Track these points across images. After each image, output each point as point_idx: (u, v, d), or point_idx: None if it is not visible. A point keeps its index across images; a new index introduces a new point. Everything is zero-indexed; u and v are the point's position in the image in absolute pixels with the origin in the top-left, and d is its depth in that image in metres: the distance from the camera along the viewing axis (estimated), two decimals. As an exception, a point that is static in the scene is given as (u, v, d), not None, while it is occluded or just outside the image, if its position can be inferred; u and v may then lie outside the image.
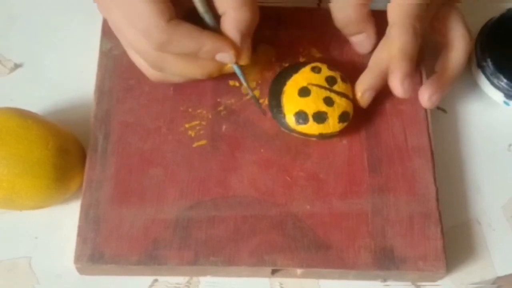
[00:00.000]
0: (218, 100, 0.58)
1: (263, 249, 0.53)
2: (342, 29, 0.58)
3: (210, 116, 0.58)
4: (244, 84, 0.56)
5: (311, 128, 0.55)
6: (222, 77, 0.58)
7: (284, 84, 0.56)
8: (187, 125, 0.57)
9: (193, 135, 0.57)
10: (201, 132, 0.57)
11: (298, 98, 0.55)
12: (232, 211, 0.54)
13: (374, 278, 0.55)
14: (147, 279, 0.55)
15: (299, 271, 0.54)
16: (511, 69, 0.59)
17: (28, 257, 0.55)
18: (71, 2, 0.64)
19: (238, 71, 0.55)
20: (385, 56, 0.55)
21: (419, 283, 0.55)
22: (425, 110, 0.58)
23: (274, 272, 0.54)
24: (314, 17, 0.62)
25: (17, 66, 0.62)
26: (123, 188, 0.55)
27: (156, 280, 0.55)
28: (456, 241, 0.57)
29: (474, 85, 0.62)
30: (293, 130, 0.56)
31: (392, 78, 0.54)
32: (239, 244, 0.53)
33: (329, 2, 0.57)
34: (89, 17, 0.62)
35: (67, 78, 0.61)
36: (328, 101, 0.55)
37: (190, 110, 0.58)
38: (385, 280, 0.55)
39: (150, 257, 0.53)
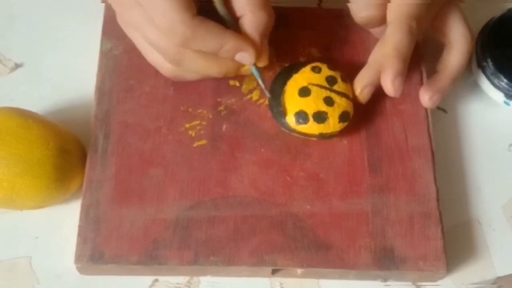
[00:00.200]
0: (219, 100, 0.58)
1: (263, 249, 0.53)
2: (363, 26, 0.58)
3: (210, 116, 0.58)
4: (262, 86, 0.56)
5: (311, 128, 0.55)
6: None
7: (284, 84, 0.56)
8: (187, 125, 0.57)
9: (193, 135, 0.57)
10: (202, 132, 0.57)
11: (298, 98, 0.55)
12: (232, 211, 0.54)
13: (374, 278, 0.55)
14: (148, 279, 0.55)
15: (299, 271, 0.54)
16: (511, 69, 0.59)
17: (28, 257, 0.55)
18: (71, 2, 0.64)
19: (256, 73, 0.55)
20: (383, 53, 0.55)
21: (419, 283, 0.55)
22: (426, 110, 0.58)
23: (274, 272, 0.54)
24: (315, 17, 0.62)
25: (17, 66, 0.62)
26: (123, 188, 0.55)
27: (156, 280, 0.55)
28: (456, 241, 0.57)
29: (474, 85, 0.62)
30: (293, 130, 0.56)
31: (384, 76, 0.54)
32: (239, 244, 0.53)
33: (348, 2, 0.57)
34: (90, 17, 0.62)
35: (67, 78, 0.61)
36: (328, 101, 0.55)
37: (190, 110, 0.58)
38: (385, 280, 0.55)
39: (150, 257, 0.53)
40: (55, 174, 0.53)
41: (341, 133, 0.56)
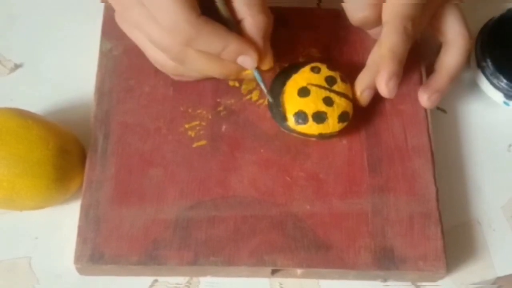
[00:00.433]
0: (218, 100, 0.58)
1: (263, 249, 0.53)
2: (359, 27, 0.58)
3: (210, 117, 0.58)
4: (265, 90, 0.56)
5: (311, 128, 0.55)
6: (222, 77, 0.58)
7: (283, 84, 0.56)
8: (187, 126, 0.57)
9: (193, 135, 0.57)
10: (201, 132, 0.57)
11: (298, 98, 0.55)
12: (232, 211, 0.54)
13: (374, 278, 0.55)
14: (147, 279, 0.55)
15: (299, 271, 0.54)
16: (511, 70, 0.59)
17: (28, 257, 0.55)
18: (71, 2, 0.64)
19: (258, 77, 0.55)
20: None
21: (419, 283, 0.55)
22: (425, 110, 0.58)
23: (274, 272, 0.54)
24: (314, 17, 0.62)
25: (17, 66, 0.62)
26: (123, 189, 0.55)
27: (156, 280, 0.55)
28: (456, 241, 0.57)
29: (474, 85, 0.62)
30: (292, 130, 0.56)
31: (378, 77, 0.54)
32: (239, 244, 0.53)
33: (343, 3, 0.57)
34: (89, 17, 0.62)
35: (67, 78, 0.61)
36: (328, 101, 0.55)
37: (190, 110, 0.58)
38: (385, 280, 0.55)
39: (150, 257, 0.53)
40: (55, 174, 0.53)
41: (341, 133, 0.56)
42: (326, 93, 0.56)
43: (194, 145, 0.57)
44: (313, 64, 0.57)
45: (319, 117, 0.55)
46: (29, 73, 0.62)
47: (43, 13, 0.64)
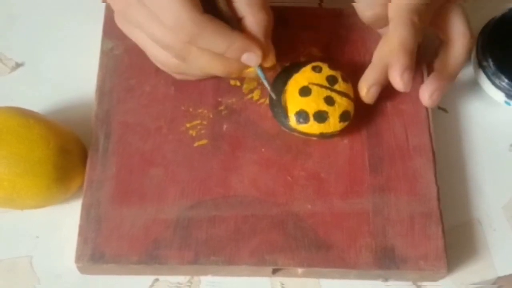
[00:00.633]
0: (219, 99, 0.58)
1: (264, 248, 0.53)
2: (370, 25, 0.58)
3: (211, 116, 0.58)
4: (268, 88, 0.56)
5: (312, 127, 0.55)
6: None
7: (285, 83, 0.56)
8: (188, 125, 0.57)
9: (194, 134, 0.57)
10: (202, 131, 0.57)
11: (299, 97, 0.55)
12: (233, 210, 0.54)
13: (375, 277, 0.55)
14: (148, 279, 0.55)
15: (300, 270, 0.54)
16: (512, 69, 0.59)
17: (29, 256, 0.55)
18: (71, 2, 0.64)
19: (261, 74, 0.55)
20: (388, 51, 0.55)
21: (420, 283, 0.55)
22: (426, 109, 0.58)
23: (275, 271, 0.54)
24: (316, 16, 0.62)
25: (18, 65, 0.62)
26: (124, 188, 0.55)
27: (157, 280, 0.55)
28: (457, 241, 0.57)
29: (475, 85, 0.62)
30: (294, 130, 0.56)
31: (392, 71, 0.54)
32: (240, 243, 0.53)
33: (354, 2, 0.57)
34: (90, 16, 0.62)
35: (68, 77, 0.61)
36: (329, 101, 0.55)
37: (191, 109, 0.58)
38: (386, 279, 0.55)
39: (151, 257, 0.53)
40: (56, 173, 0.53)
41: (342, 133, 0.56)
42: (327, 93, 0.56)
43: (195, 144, 0.57)
44: (314, 64, 0.57)
45: (320, 117, 0.55)
46: (30, 73, 0.62)
47: (44, 13, 0.64)
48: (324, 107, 0.55)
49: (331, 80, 0.56)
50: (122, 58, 0.59)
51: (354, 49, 0.61)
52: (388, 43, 0.55)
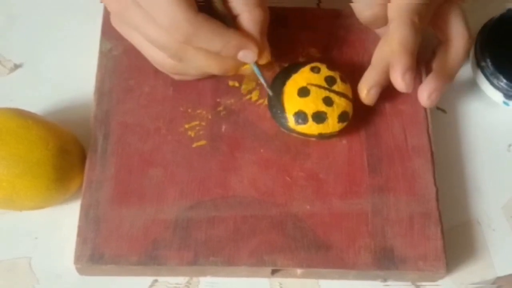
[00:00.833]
0: (218, 100, 0.58)
1: (263, 249, 0.53)
2: (368, 25, 0.58)
3: (209, 117, 0.58)
4: (264, 84, 0.56)
5: (311, 128, 0.55)
6: (221, 77, 0.58)
7: (283, 84, 0.56)
8: (186, 126, 0.57)
9: (192, 135, 0.57)
10: (201, 132, 0.57)
11: (298, 98, 0.55)
12: (232, 211, 0.54)
13: (374, 278, 0.55)
14: (147, 280, 0.55)
15: (299, 271, 0.54)
16: (510, 70, 0.59)
17: (28, 257, 0.55)
18: (71, 2, 0.64)
19: (257, 71, 0.55)
20: (387, 51, 0.55)
21: (419, 283, 0.55)
22: (425, 110, 0.58)
23: (274, 272, 0.54)
24: (314, 17, 0.62)
25: (17, 66, 0.62)
26: (123, 189, 0.55)
27: (156, 281, 0.55)
28: (456, 241, 0.57)
29: (473, 85, 0.62)
30: (292, 130, 0.56)
31: (393, 72, 0.53)
32: (239, 244, 0.53)
33: (350, 3, 0.57)
34: (89, 17, 0.62)
35: (67, 78, 0.61)
36: (328, 101, 0.55)
37: (189, 110, 0.58)
38: (385, 280, 0.55)
39: (150, 258, 0.53)
40: (55, 174, 0.53)
41: (341, 133, 0.56)
42: (326, 93, 0.56)
43: (194, 145, 0.57)
44: (313, 64, 0.57)
45: (319, 117, 0.55)
46: (29, 73, 0.62)
47: (43, 13, 0.64)
48: (322, 107, 0.55)
49: (330, 80, 0.56)
50: (121, 59, 0.59)
51: (352, 50, 0.61)
52: (388, 44, 0.54)
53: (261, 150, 0.57)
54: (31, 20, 0.64)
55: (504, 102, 0.61)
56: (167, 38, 0.52)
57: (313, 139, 0.56)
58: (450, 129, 0.61)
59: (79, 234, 0.53)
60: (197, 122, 0.57)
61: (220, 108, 0.58)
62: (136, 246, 0.53)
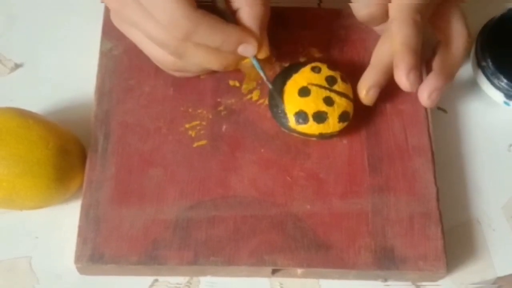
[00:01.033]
0: (218, 100, 0.58)
1: (263, 249, 0.53)
2: (365, 23, 0.58)
3: (210, 116, 0.58)
4: (264, 78, 0.56)
5: (311, 128, 0.55)
6: (222, 77, 0.58)
7: (284, 84, 0.56)
8: (187, 125, 0.57)
9: (193, 135, 0.57)
10: (201, 132, 0.57)
11: (298, 98, 0.55)
12: (232, 211, 0.54)
13: (375, 278, 0.55)
14: (148, 279, 0.55)
15: (299, 271, 0.54)
16: (511, 69, 0.59)
17: (28, 257, 0.55)
18: (71, 2, 0.64)
19: (257, 64, 0.55)
20: (386, 51, 0.55)
21: (419, 283, 0.55)
22: (426, 110, 0.58)
23: (274, 272, 0.54)
24: (315, 17, 0.62)
25: (17, 66, 0.62)
26: (123, 188, 0.55)
27: (156, 280, 0.55)
28: (456, 241, 0.57)
29: (474, 85, 0.62)
30: (293, 130, 0.56)
31: (397, 72, 0.53)
32: (239, 244, 0.53)
33: (349, 2, 0.57)
34: (90, 17, 0.62)
35: (67, 78, 0.61)
36: (328, 101, 0.55)
37: (190, 110, 0.58)
38: (385, 280, 0.55)
39: (150, 257, 0.53)
40: (55, 174, 0.53)
41: (341, 133, 0.56)
42: (327, 93, 0.56)
43: (195, 145, 0.57)
44: (313, 64, 0.57)
45: (320, 117, 0.55)
46: (29, 73, 0.62)
47: (44, 13, 0.64)
48: (323, 107, 0.55)
49: (330, 80, 0.56)
50: (121, 59, 0.59)
51: (353, 50, 0.61)
52: (388, 43, 0.54)
53: (262, 150, 0.57)
54: (32, 20, 0.64)
55: (505, 102, 0.61)
56: (167, 35, 0.52)
57: (314, 139, 0.56)
58: (451, 129, 0.61)
59: (79, 234, 0.53)
60: (197, 122, 0.57)
61: (221, 108, 0.58)
62: (137, 246, 0.53)
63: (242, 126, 0.57)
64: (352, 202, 0.55)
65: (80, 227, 0.53)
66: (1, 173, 0.52)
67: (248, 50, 0.54)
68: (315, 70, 0.57)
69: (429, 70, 0.58)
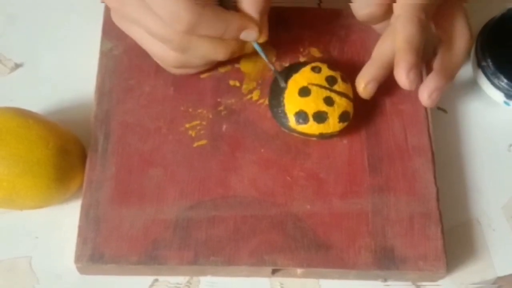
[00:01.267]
0: (219, 100, 0.58)
1: (263, 249, 0.53)
2: (365, 22, 0.58)
3: (210, 116, 0.58)
4: (266, 60, 0.56)
5: (311, 128, 0.55)
6: (222, 77, 0.58)
7: (284, 84, 0.56)
8: (187, 125, 0.57)
9: (193, 135, 0.57)
10: (202, 132, 0.57)
11: (298, 98, 0.55)
12: (232, 211, 0.54)
13: (375, 278, 0.55)
14: (148, 279, 0.55)
15: (299, 271, 0.54)
16: (511, 69, 0.59)
17: (28, 256, 0.55)
18: (71, 2, 0.64)
19: (258, 48, 0.55)
20: (388, 47, 0.54)
21: (419, 283, 0.55)
22: (426, 109, 0.58)
23: (274, 272, 0.54)
24: (315, 17, 0.62)
25: (17, 66, 0.62)
26: (123, 188, 0.55)
27: (156, 280, 0.55)
28: (456, 241, 0.57)
29: (474, 85, 0.62)
30: (293, 130, 0.56)
31: (398, 69, 0.53)
32: (239, 244, 0.53)
33: (350, 2, 0.57)
34: (90, 17, 0.62)
35: (67, 78, 0.61)
36: (328, 101, 0.55)
37: (190, 110, 0.58)
38: (385, 280, 0.55)
39: (150, 257, 0.53)
40: (55, 174, 0.53)
41: (341, 133, 0.56)
42: (327, 93, 0.56)
43: (195, 144, 0.57)
44: (313, 64, 0.57)
45: (320, 117, 0.55)
46: (30, 73, 0.62)
47: (44, 13, 0.64)
48: (323, 107, 0.55)
49: (331, 80, 0.56)
50: (122, 59, 0.59)
51: (353, 50, 0.61)
52: (391, 40, 0.54)
53: (262, 150, 0.57)
54: (32, 20, 0.64)
55: (505, 102, 0.61)
56: (169, 30, 0.52)
57: (314, 139, 0.56)
58: (451, 129, 0.61)
59: (79, 234, 0.53)
60: (197, 122, 0.57)
61: (221, 108, 0.58)
62: (137, 246, 0.53)
63: (242, 126, 0.57)
64: (352, 202, 0.55)
65: (80, 227, 0.53)
66: (1, 173, 0.52)
67: (250, 35, 0.54)
68: (315, 70, 0.57)
69: (429, 70, 0.58)
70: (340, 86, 0.56)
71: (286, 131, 0.56)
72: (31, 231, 0.56)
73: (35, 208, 0.55)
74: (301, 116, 0.55)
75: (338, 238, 0.54)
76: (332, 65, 0.57)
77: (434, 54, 0.58)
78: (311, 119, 0.55)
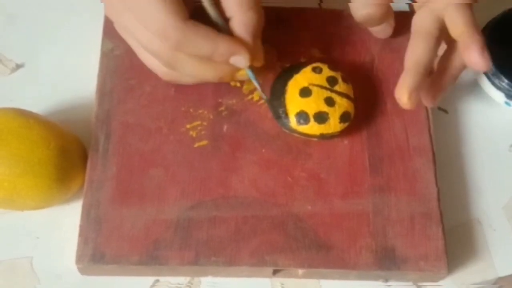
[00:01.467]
0: (220, 100, 0.58)
1: (264, 249, 0.53)
2: (363, 24, 0.58)
3: (211, 117, 0.58)
4: (258, 89, 0.56)
5: (312, 128, 0.55)
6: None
7: (285, 84, 0.56)
8: (188, 126, 0.57)
9: (194, 135, 0.57)
10: (202, 132, 0.57)
11: (299, 98, 0.55)
12: (233, 211, 0.54)
13: (376, 278, 0.55)
14: (149, 279, 0.55)
15: (300, 271, 0.54)
16: (512, 70, 0.59)
17: (29, 257, 0.55)
18: (72, 2, 0.64)
19: (251, 75, 0.55)
20: (421, 51, 0.53)
21: (420, 283, 0.55)
22: (426, 110, 0.58)
23: (275, 272, 0.54)
24: (316, 17, 0.62)
25: (18, 66, 0.62)
26: (124, 189, 0.55)
27: (157, 280, 0.55)
28: (457, 241, 0.57)
29: (475, 86, 0.62)
30: (294, 131, 0.56)
31: (471, 52, 0.52)
32: (240, 244, 0.53)
33: (349, 2, 0.57)
34: (91, 17, 0.62)
35: (68, 78, 0.61)
36: (329, 101, 0.55)
37: (191, 110, 0.58)
38: (386, 280, 0.55)
39: (151, 258, 0.53)
40: (56, 174, 0.53)
41: (342, 134, 0.56)
42: (328, 93, 0.56)
43: (195, 145, 0.57)
44: (314, 64, 0.57)
45: (321, 117, 0.55)
46: (30, 73, 0.62)
47: (44, 13, 0.64)
48: (324, 108, 0.55)
49: (331, 81, 0.56)
50: (123, 59, 0.59)
51: (354, 50, 0.61)
52: (423, 45, 0.53)
53: (263, 150, 0.57)
54: (32, 20, 0.64)
55: (506, 103, 0.61)
56: (158, 46, 0.52)
57: (315, 139, 0.56)
58: (452, 129, 0.61)
59: (80, 234, 0.53)
60: (198, 122, 0.57)
61: (222, 108, 0.58)
62: (137, 246, 0.53)
63: (243, 127, 0.57)
64: (353, 203, 0.55)
65: (81, 227, 0.53)
66: (2, 173, 0.52)
67: (240, 61, 0.53)
68: (316, 70, 0.57)
69: (431, 70, 0.58)
70: (341, 86, 0.56)
71: (287, 131, 0.56)
72: (32, 231, 0.56)
73: (36, 209, 0.55)
74: (302, 116, 0.55)
75: (339, 239, 0.54)
76: (333, 65, 0.57)
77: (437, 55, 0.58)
78: (312, 119, 0.55)
